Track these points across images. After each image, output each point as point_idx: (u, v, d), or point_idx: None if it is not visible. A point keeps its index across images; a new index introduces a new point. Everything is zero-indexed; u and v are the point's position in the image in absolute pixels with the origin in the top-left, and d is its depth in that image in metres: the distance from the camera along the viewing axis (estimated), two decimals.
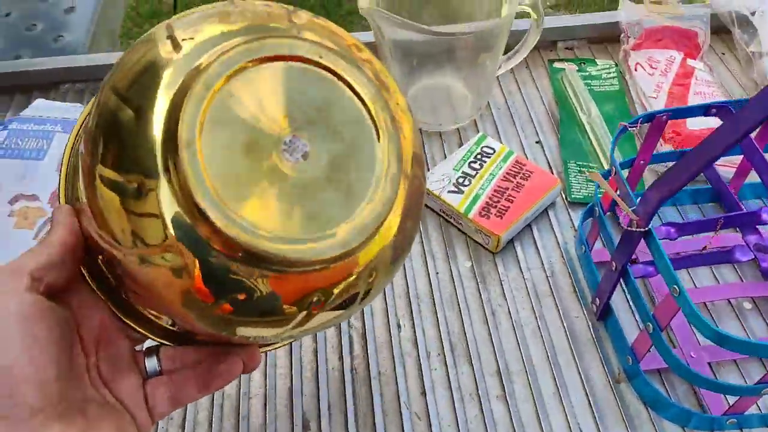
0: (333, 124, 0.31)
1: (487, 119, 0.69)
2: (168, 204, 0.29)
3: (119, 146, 0.30)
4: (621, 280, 0.48)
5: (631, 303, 0.54)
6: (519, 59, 0.66)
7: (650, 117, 0.50)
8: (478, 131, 0.68)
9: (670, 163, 0.59)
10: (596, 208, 0.52)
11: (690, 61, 0.70)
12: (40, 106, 0.66)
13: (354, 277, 0.32)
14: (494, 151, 0.62)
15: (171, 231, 0.29)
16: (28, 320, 0.29)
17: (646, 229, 0.43)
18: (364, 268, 0.32)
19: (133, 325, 0.35)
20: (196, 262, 0.29)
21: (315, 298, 0.31)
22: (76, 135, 0.38)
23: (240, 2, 0.34)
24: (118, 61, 0.33)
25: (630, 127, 0.50)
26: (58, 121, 0.64)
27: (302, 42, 0.31)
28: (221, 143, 0.29)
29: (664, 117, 0.50)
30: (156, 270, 0.30)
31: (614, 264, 0.48)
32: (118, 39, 1.39)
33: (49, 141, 0.62)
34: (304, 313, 0.31)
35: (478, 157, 0.61)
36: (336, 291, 0.32)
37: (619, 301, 0.54)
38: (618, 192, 0.46)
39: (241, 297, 0.30)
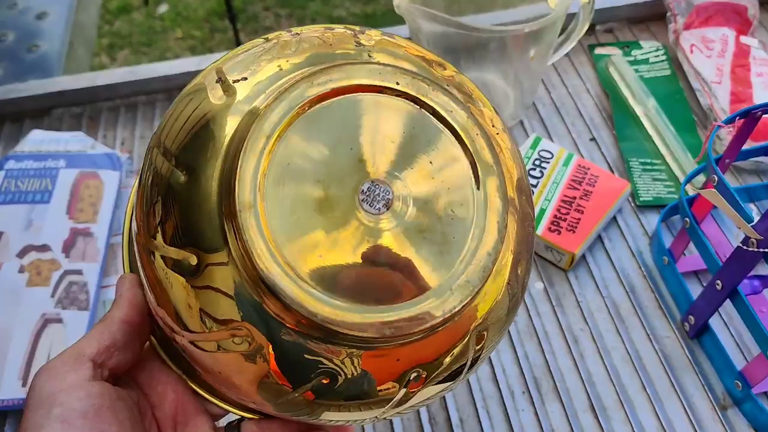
0: (419, 161, 0.25)
1: (533, 117, 0.63)
2: (231, 279, 0.24)
3: (172, 216, 0.25)
4: (728, 299, 0.43)
5: (725, 319, 0.49)
6: (566, 50, 0.60)
7: (745, 113, 0.45)
8: (525, 132, 0.62)
9: (757, 159, 0.54)
10: (687, 219, 0.47)
11: (744, 39, 0.65)
12: (36, 138, 0.58)
13: (461, 343, 0.27)
14: (552, 155, 0.56)
15: (237, 310, 0.24)
16: (95, 417, 0.26)
17: None
18: (472, 330, 0.27)
19: (212, 399, 0.31)
20: (269, 344, 0.24)
21: (415, 374, 0.26)
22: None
23: (299, 29, 0.28)
24: (165, 115, 0.27)
25: (726, 126, 0.44)
26: (61, 155, 0.56)
27: (374, 67, 0.26)
28: (287, 201, 0.24)
29: (759, 113, 0.45)
30: (225, 355, 0.25)
31: (720, 283, 0.43)
32: (94, 42, 1.30)
33: (54, 180, 0.55)
34: (403, 392, 0.26)
35: (537, 163, 0.56)
36: (439, 362, 0.26)
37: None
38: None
39: (326, 381, 0.25)
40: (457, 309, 0.24)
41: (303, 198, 0.24)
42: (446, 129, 0.26)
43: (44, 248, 0.51)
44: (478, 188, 0.25)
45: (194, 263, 0.24)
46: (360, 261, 0.24)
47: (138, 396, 0.29)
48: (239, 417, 0.31)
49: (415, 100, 0.26)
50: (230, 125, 0.25)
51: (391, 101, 0.25)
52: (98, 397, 0.26)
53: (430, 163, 0.25)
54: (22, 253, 0.51)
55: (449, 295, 0.24)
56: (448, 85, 0.28)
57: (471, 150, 0.26)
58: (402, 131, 0.25)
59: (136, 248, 0.27)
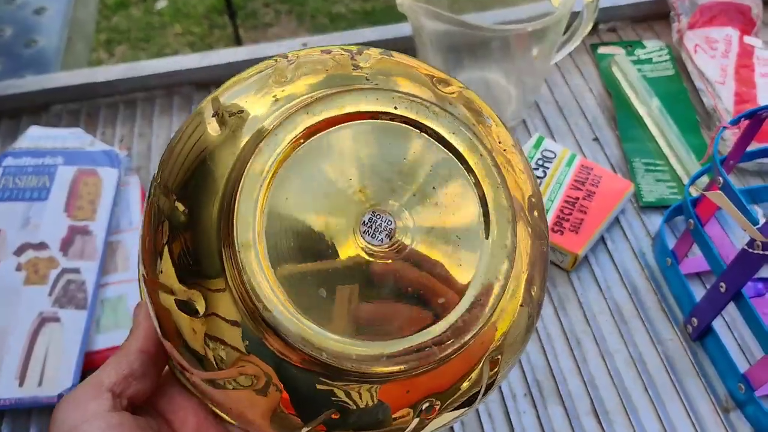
0: (421, 187, 0.25)
1: (535, 116, 0.63)
2: (234, 319, 0.24)
3: (174, 254, 0.24)
4: (732, 302, 0.43)
5: (728, 321, 0.49)
6: (570, 49, 0.59)
7: (751, 114, 0.44)
8: (528, 131, 0.62)
9: (760, 161, 0.54)
10: (692, 220, 0.46)
11: (747, 39, 0.64)
12: (34, 134, 0.58)
13: (475, 370, 0.26)
14: (555, 155, 0.56)
15: (242, 348, 0.24)
16: None
17: None
18: (486, 356, 0.26)
19: (233, 422, 0.30)
20: (278, 380, 0.24)
21: (427, 404, 0.26)
22: None
23: (295, 54, 0.27)
24: (166, 150, 0.27)
25: (731, 127, 0.44)
26: (58, 152, 0.56)
27: (372, 92, 0.25)
28: (287, 237, 0.23)
29: (765, 114, 0.45)
30: (235, 392, 0.25)
31: (723, 285, 0.43)
32: (93, 38, 1.29)
33: (51, 177, 0.54)
34: (417, 421, 0.26)
35: (540, 163, 0.55)
36: (453, 390, 0.26)
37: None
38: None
39: (335, 416, 0.25)
40: (467, 338, 0.24)
41: (302, 232, 0.23)
42: (449, 152, 0.25)
43: (42, 246, 0.51)
44: (485, 211, 0.25)
45: (201, 306, 0.24)
46: (364, 295, 0.23)
47: (159, 424, 0.29)
48: None
49: (415, 123, 0.25)
50: (227, 161, 0.24)
51: (391, 126, 0.25)
52: (118, 427, 0.26)
53: (434, 188, 0.25)
54: (19, 251, 0.50)
55: (459, 324, 0.24)
56: (451, 104, 0.27)
57: (476, 172, 0.25)
58: (403, 157, 0.25)
59: (143, 282, 0.27)
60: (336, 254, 0.23)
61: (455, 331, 0.24)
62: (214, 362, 0.24)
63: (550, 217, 0.52)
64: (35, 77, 0.64)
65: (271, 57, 0.28)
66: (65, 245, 0.51)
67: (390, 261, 0.24)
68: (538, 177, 0.54)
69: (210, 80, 0.65)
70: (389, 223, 0.24)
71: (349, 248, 0.23)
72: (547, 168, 0.55)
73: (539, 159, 0.55)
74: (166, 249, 0.25)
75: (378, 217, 0.24)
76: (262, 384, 0.24)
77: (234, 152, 0.24)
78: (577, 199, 0.53)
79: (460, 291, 0.24)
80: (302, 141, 0.24)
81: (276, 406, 0.24)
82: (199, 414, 0.29)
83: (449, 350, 0.23)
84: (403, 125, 0.25)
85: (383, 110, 0.25)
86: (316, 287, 0.23)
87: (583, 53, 0.68)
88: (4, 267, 0.50)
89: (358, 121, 0.24)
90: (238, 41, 1.56)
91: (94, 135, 0.62)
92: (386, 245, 0.24)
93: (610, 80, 0.64)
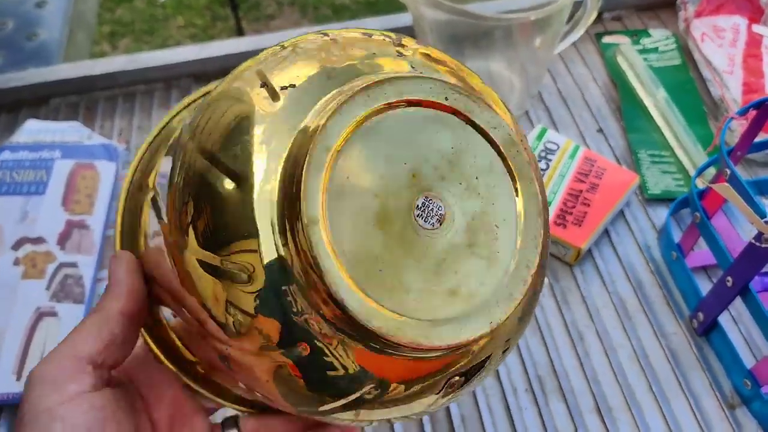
0: (466, 177, 0.26)
1: (538, 107, 0.62)
2: (280, 289, 0.24)
3: (219, 225, 0.24)
4: (739, 297, 0.42)
5: (734, 316, 0.48)
6: (574, 38, 0.58)
7: (759, 104, 0.43)
8: (531, 122, 0.61)
9: None
10: (698, 213, 0.45)
11: (756, 28, 0.63)
12: (32, 128, 0.57)
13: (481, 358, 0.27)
14: (558, 147, 0.55)
15: (280, 325, 0.24)
16: (98, 429, 0.24)
17: None
18: (493, 340, 0.27)
19: (207, 395, 0.30)
20: (314, 353, 0.24)
21: (456, 378, 0.27)
22: (129, 186, 0.33)
23: (336, 33, 0.28)
24: (199, 116, 0.26)
25: (738, 117, 0.43)
26: (56, 145, 0.55)
27: (424, 81, 0.25)
28: (348, 215, 0.24)
29: None
30: (268, 363, 0.25)
31: (730, 279, 0.42)
32: (95, 30, 1.29)
33: (49, 171, 0.54)
34: (441, 395, 0.27)
35: (543, 154, 0.54)
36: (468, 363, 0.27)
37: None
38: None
39: (377, 390, 0.26)
40: (502, 321, 0.25)
41: (362, 212, 0.24)
42: (490, 145, 0.26)
43: (39, 240, 0.50)
44: (517, 204, 0.26)
45: (248, 275, 0.24)
46: (417, 275, 0.24)
47: (136, 400, 0.28)
48: (235, 413, 0.31)
49: (462, 115, 0.26)
50: (282, 135, 0.25)
51: (440, 116, 0.25)
52: (101, 409, 0.24)
53: (476, 178, 0.25)
54: (17, 246, 0.50)
55: (496, 308, 0.25)
56: (483, 99, 0.28)
57: (512, 166, 0.26)
58: (450, 146, 0.25)
59: (167, 253, 0.26)
60: (393, 234, 0.24)
61: (494, 313, 0.25)
62: (261, 340, 0.24)
63: (553, 210, 0.51)
64: (34, 70, 0.64)
65: (318, 32, 0.28)
66: (63, 239, 0.50)
67: (440, 245, 0.25)
68: (541, 169, 0.53)
69: (209, 72, 0.65)
70: (440, 208, 0.25)
71: (406, 230, 0.24)
72: (550, 160, 0.54)
73: (542, 150, 0.54)
74: (203, 218, 0.24)
75: (430, 202, 0.25)
76: (299, 356, 0.24)
77: (292, 127, 0.25)
78: (581, 191, 0.52)
79: (497, 276, 0.25)
80: (361, 123, 0.24)
81: (303, 384, 0.25)
82: (174, 386, 0.28)
83: (488, 330, 0.24)
84: (451, 116, 0.26)
85: (435, 100, 0.25)
86: (375, 265, 0.24)
87: (587, 42, 0.67)
88: (1, 262, 0.49)
89: (413, 108, 0.25)
90: (240, 33, 1.55)
91: (92, 128, 0.61)
92: (437, 229, 0.25)
93: (615, 70, 0.63)
